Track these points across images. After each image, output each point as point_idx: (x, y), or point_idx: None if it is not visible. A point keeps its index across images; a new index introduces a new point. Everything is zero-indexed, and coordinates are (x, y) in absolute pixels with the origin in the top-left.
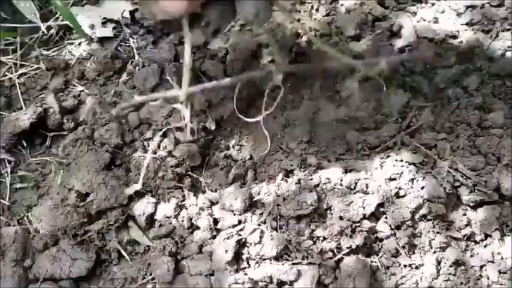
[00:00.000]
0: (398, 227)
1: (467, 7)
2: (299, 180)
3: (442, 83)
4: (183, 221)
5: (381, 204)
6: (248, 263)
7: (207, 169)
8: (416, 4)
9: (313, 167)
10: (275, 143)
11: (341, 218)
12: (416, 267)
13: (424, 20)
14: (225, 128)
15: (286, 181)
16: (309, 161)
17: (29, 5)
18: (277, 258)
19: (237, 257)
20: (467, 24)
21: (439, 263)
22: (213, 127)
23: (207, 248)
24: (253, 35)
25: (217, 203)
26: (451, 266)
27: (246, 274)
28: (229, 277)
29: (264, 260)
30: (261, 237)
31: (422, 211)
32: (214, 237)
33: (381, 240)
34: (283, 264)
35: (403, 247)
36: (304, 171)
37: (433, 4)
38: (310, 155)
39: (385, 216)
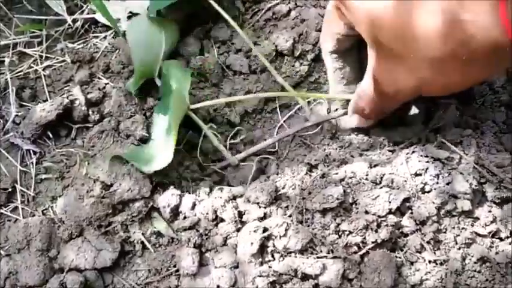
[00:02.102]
0: (423, 223)
1: None
2: (323, 174)
3: None
4: (207, 213)
5: (406, 199)
6: (273, 256)
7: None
8: None
9: (337, 161)
10: (298, 138)
11: (367, 212)
12: (441, 263)
13: None
14: (248, 121)
15: (310, 175)
16: (332, 156)
17: None
18: (302, 251)
19: (262, 250)
20: None
21: (464, 259)
22: (237, 121)
23: (231, 241)
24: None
25: (241, 195)
26: (476, 263)
27: (270, 267)
28: (253, 270)
29: (289, 253)
30: (286, 231)
31: (448, 207)
32: (238, 230)
33: (406, 235)
34: (308, 257)
35: (428, 242)
36: (328, 166)
37: None
38: (334, 151)
39: (410, 211)
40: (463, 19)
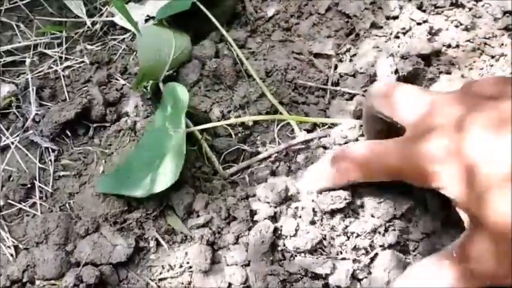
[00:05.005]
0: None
1: (505, 12)
2: None
3: None
4: (220, 211)
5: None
6: (283, 255)
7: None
8: (453, 8)
9: None
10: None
11: (372, 215)
12: None
13: (461, 24)
14: (262, 123)
15: None
16: None
17: (75, 1)
18: (312, 252)
19: (273, 249)
20: (504, 29)
21: None
22: (250, 122)
23: (243, 239)
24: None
25: (253, 195)
26: None
27: (281, 266)
28: (265, 268)
29: (299, 253)
30: (296, 231)
31: None
32: (250, 228)
33: (414, 240)
34: (317, 258)
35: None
36: None
37: (470, 9)
38: None
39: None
40: None
